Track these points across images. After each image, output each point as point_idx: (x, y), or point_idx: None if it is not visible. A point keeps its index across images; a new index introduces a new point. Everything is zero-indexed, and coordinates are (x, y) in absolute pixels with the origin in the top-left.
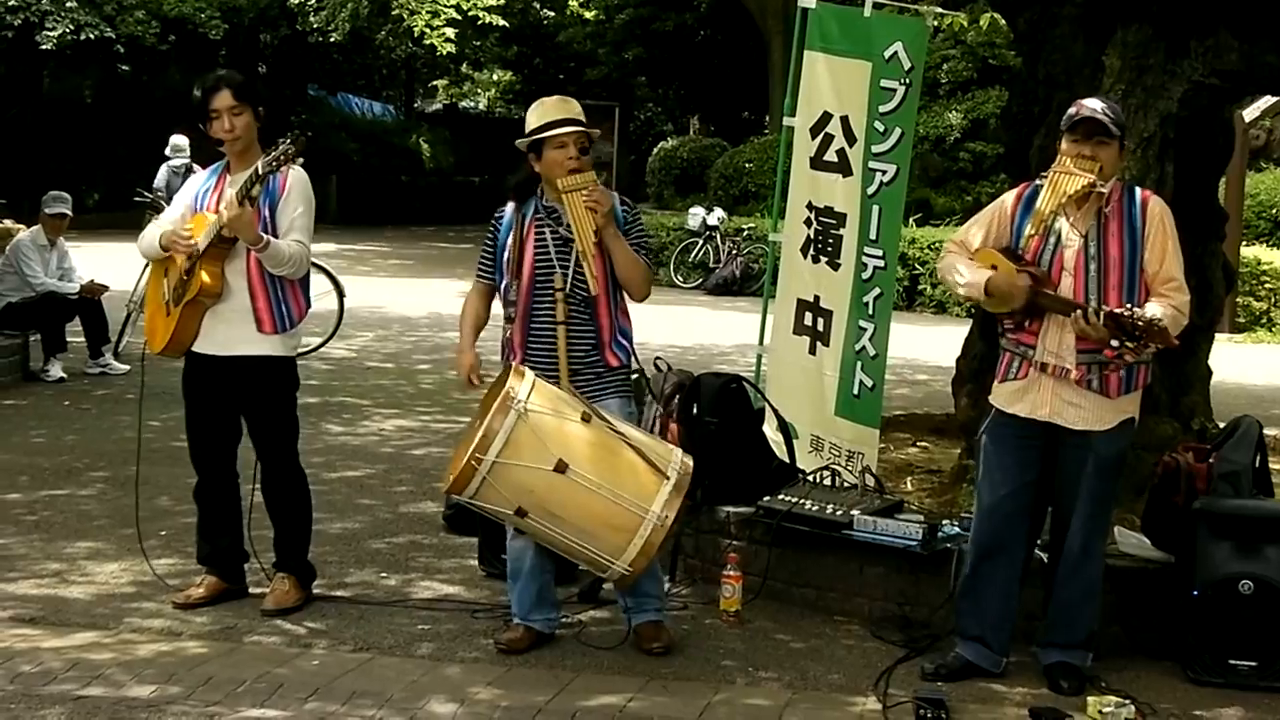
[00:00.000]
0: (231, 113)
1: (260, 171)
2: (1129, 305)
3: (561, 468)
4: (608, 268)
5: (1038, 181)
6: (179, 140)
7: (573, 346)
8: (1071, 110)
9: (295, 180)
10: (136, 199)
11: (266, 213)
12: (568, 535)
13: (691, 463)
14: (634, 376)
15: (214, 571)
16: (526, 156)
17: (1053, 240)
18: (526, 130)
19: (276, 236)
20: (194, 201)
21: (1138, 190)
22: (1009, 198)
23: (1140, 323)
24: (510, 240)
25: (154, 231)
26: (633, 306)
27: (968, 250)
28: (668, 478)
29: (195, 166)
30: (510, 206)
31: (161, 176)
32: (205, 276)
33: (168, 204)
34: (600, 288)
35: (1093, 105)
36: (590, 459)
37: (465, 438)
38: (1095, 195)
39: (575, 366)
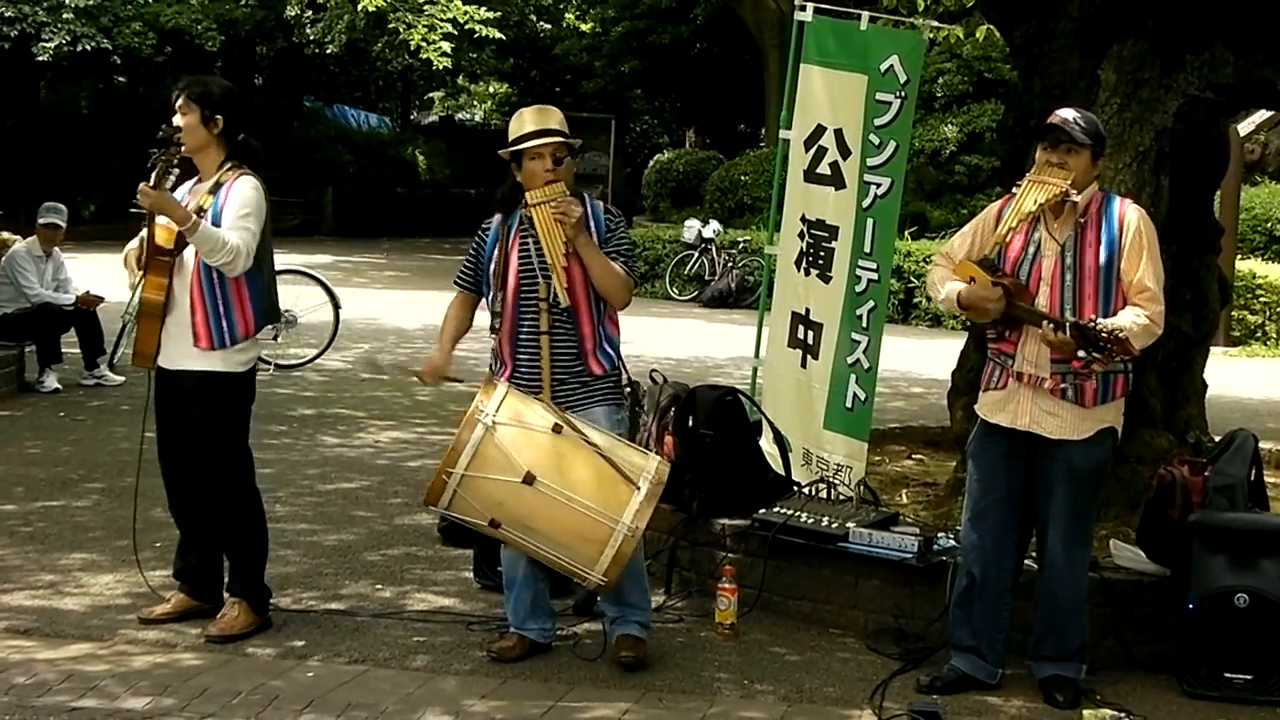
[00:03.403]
0: (179, 111)
1: (150, 180)
2: (1093, 317)
3: (530, 479)
4: (586, 276)
5: (1014, 191)
6: None
7: (556, 356)
8: (1048, 118)
9: (236, 186)
10: (132, 210)
11: (209, 222)
12: (541, 546)
13: (666, 470)
14: (625, 385)
15: (182, 588)
16: (509, 168)
17: (1032, 250)
18: (509, 141)
19: None
20: None
21: (1116, 199)
22: (993, 209)
23: (1104, 333)
24: (496, 253)
25: (132, 246)
26: (629, 319)
27: (952, 262)
28: (638, 488)
29: None
30: (497, 218)
31: None
32: (147, 291)
33: None
34: (581, 297)
35: (1064, 114)
36: (559, 470)
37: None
38: (1071, 205)
39: (560, 376)
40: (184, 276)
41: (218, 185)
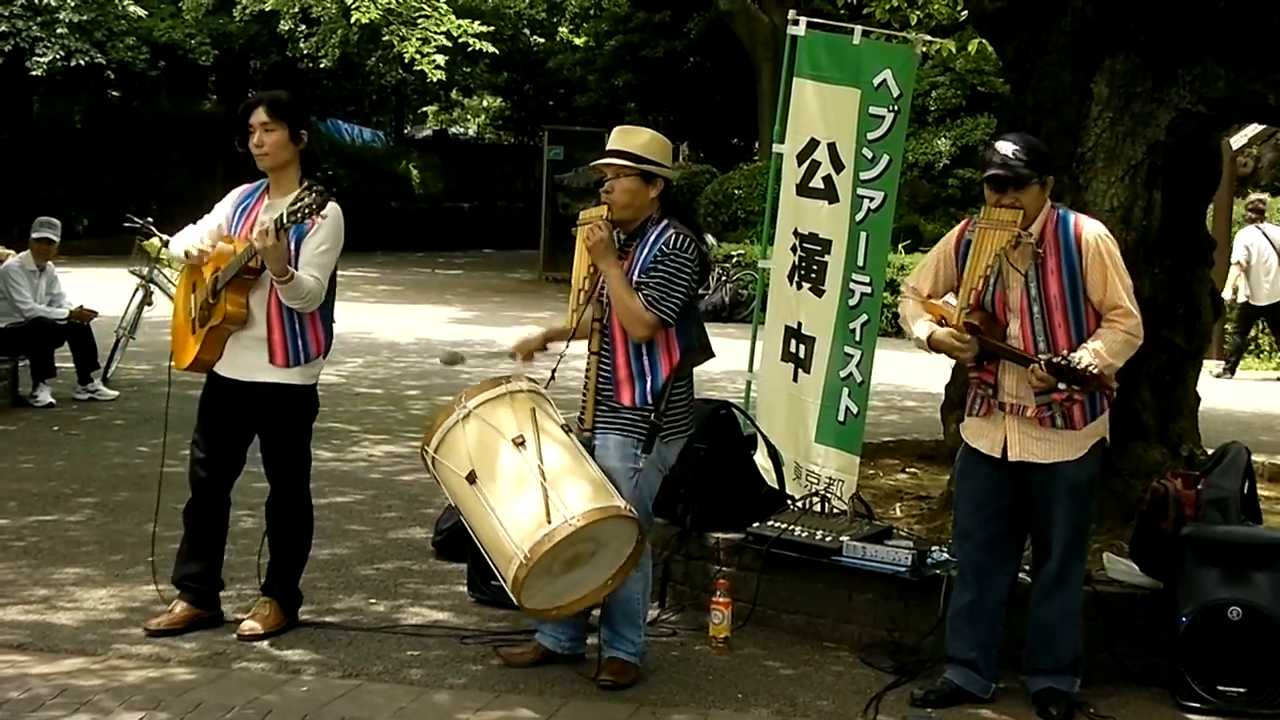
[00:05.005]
0: (264, 128)
1: (284, 222)
2: (1064, 353)
3: (472, 478)
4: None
5: (970, 228)
6: None
7: (598, 376)
8: (987, 155)
9: (328, 215)
10: (126, 224)
11: (293, 243)
12: (478, 544)
13: (593, 519)
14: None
15: (185, 596)
16: None
17: (996, 282)
18: None
19: (297, 267)
20: (232, 213)
21: (1070, 219)
22: (950, 238)
23: (1078, 367)
24: None
25: (184, 236)
26: None
27: (919, 296)
28: (549, 522)
29: None
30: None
31: None
32: (230, 306)
33: None
34: (617, 323)
35: (1002, 152)
36: (497, 480)
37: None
38: (1026, 235)
39: (597, 397)
40: (260, 294)
41: (284, 224)
